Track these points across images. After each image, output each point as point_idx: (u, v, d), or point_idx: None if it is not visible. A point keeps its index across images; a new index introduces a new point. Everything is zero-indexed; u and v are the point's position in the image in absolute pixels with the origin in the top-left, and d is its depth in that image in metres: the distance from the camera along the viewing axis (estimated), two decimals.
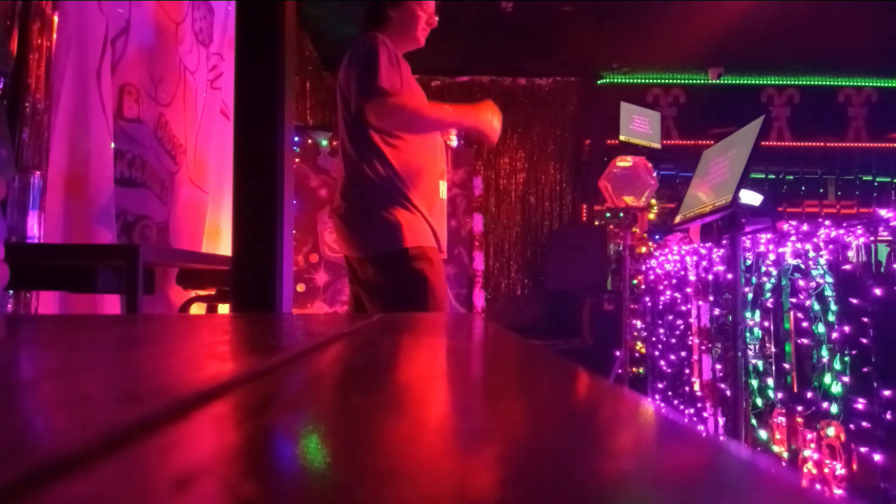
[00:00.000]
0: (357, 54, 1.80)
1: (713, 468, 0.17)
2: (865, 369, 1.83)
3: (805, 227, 2.14)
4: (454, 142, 2.16)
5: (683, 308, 3.13)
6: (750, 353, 2.42)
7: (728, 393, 2.48)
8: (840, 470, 1.90)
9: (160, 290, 2.40)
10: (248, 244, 1.15)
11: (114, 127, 2.10)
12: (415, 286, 1.77)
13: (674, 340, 3.29)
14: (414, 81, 1.90)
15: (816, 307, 2.06)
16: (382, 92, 1.72)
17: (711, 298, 2.80)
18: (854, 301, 1.89)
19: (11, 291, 1.75)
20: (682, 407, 3.14)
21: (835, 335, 1.97)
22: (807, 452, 2.05)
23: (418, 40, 1.95)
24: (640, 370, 4.10)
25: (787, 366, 2.24)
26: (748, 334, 2.42)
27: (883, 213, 1.83)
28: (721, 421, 2.70)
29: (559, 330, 5.64)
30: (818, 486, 1.65)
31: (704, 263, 2.88)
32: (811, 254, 2.10)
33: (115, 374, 0.32)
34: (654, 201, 5.26)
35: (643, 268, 4.12)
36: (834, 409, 1.95)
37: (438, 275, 1.81)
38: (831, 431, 1.95)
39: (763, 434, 2.33)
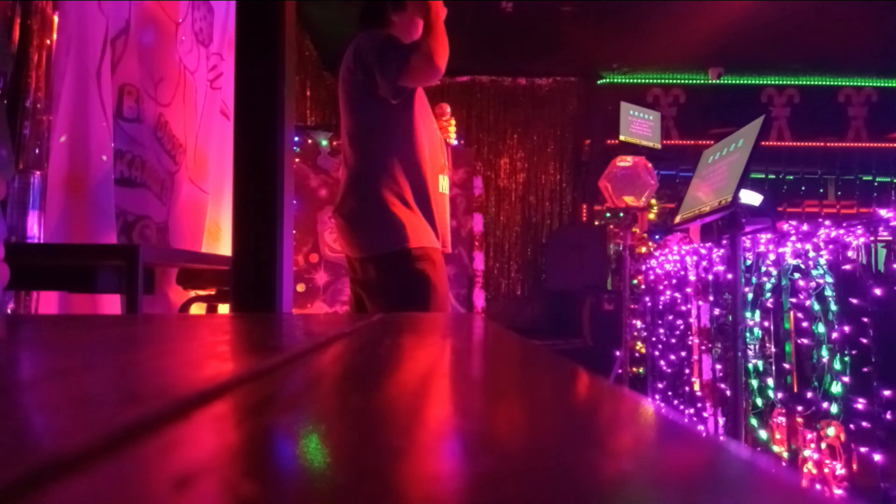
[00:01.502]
0: (366, 48, 1.80)
1: (713, 468, 0.17)
2: (865, 369, 1.83)
3: (805, 227, 2.14)
4: (453, 140, 2.16)
5: (683, 308, 3.13)
6: (750, 353, 2.42)
7: (728, 393, 2.48)
8: (840, 470, 1.90)
9: (160, 290, 2.40)
10: (248, 244, 1.15)
11: (114, 127, 2.10)
12: (417, 287, 1.77)
13: (674, 340, 3.29)
14: None
15: (816, 307, 2.06)
16: (409, 53, 1.75)
17: (711, 298, 2.80)
18: (854, 301, 1.89)
19: (12, 291, 1.75)
20: (682, 407, 3.14)
21: (835, 335, 1.97)
22: (807, 452, 2.05)
23: None
24: (640, 370, 4.11)
25: (787, 366, 2.24)
26: (748, 334, 2.42)
27: (883, 213, 1.83)
28: (721, 421, 2.70)
29: (559, 330, 5.65)
30: (818, 486, 1.65)
31: (704, 263, 2.88)
32: (811, 254, 2.10)
33: (115, 374, 0.32)
34: (654, 201, 5.26)
35: (643, 268, 4.12)
36: (834, 409, 1.95)
37: (441, 276, 1.81)
38: (831, 431, 1.95)
39: (763, 434, 2.33)
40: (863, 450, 1.82)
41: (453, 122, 2.15)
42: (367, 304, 1.88)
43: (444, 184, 1.96)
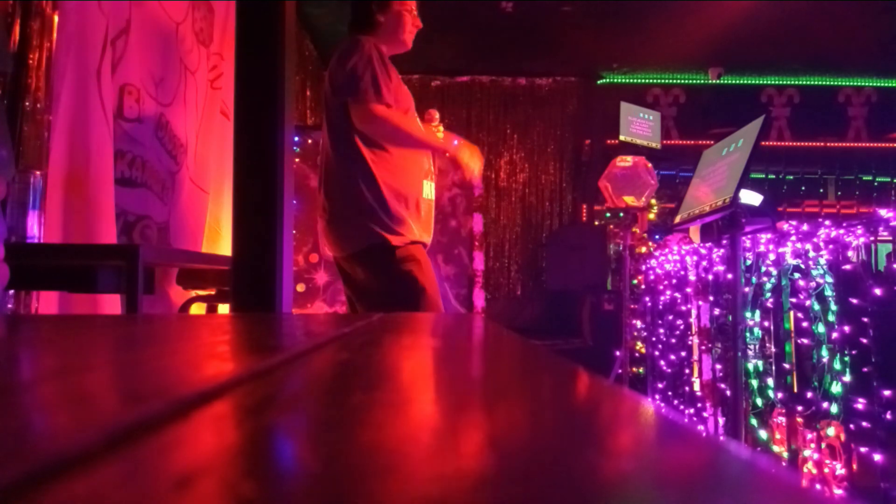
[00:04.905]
0: (347, 55, 1.80)
1: (713, 468, 0.17)
2: (865, 369, 1.83)
3: (805, 227, 2.14)
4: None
5: (683, 308, 3.13)
6: (750, 353, 2.42)
7: (728, 393, 2.48)
8: (840, 470, 1.90)
9: (160, 290, 2.40)
10: (248, 244, 1.15)
11: (114, 127, 2.10)
12: (404, 289, 1.77)
13: (674, 340, 3.29)
14: (402, 85, 1.90)
15: (816, 307, 2.06)
16: (372, 98, 1.75)
17: (711, 298, 2.80)
18: (854, 301, 1.89)
19: (12, 291, 1.74)
20: (682, 407, 3.14)
21: (835, 335, 1.97)
22: (807, 452, 2.05)
23: (405, 43, 1.95)
24: (640, 370, 4.10)
25: (787, 366, 2.24)
26: (748, 334, 2.42)
27: (883, 213, 1.83)
28: (721, 421, 2.70)
29: (559, 330, 5.64)
30: (818, 486, 1.65)
31: (704, 263, 2.88)
32: (811, 254, 2.10)
33: (115, 374, 0.32)
34: (654, 201, 5.25)
35: (643, 268, 4.12)
36: (834, 409, 1.95)
37: (428, 276, 1.81)
38: (831, 431, 1.95)
39: (763, 434, 2.33)
40: (863, 450, 1.82)
41: (441, 128, 2.15)
42: (357, 303, 1.89)
43: (427, 189, 1.95)
